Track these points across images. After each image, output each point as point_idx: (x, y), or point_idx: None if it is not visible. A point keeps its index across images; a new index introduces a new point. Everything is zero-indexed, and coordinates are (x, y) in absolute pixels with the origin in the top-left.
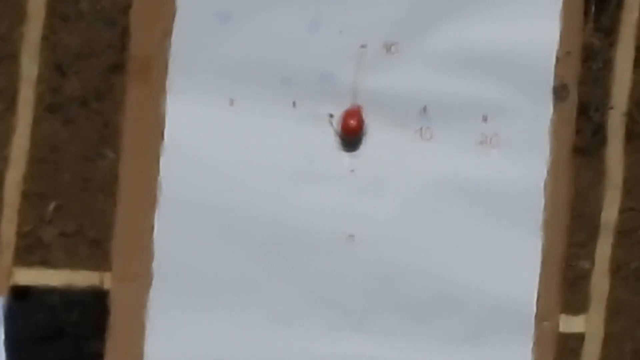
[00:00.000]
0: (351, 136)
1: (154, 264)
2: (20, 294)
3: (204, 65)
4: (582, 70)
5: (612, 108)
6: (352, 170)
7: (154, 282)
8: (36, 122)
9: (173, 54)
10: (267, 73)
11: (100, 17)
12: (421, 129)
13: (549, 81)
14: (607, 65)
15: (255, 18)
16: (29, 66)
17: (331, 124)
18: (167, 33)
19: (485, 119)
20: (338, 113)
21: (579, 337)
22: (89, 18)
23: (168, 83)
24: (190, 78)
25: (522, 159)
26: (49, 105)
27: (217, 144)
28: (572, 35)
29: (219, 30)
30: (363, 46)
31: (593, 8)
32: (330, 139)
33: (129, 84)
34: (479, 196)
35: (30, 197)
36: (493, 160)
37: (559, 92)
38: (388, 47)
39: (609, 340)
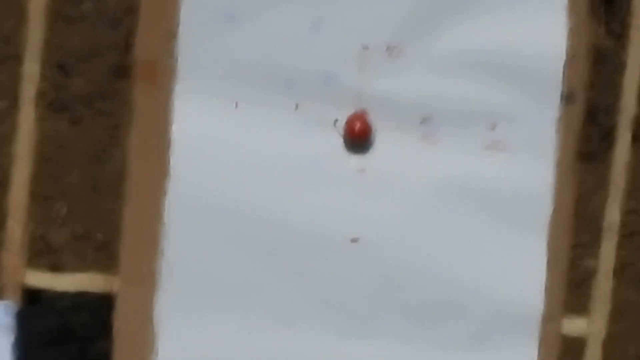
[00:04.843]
0: (357, 141)
1: (162, 267)
2: (30, 298)
3: (210, 67)
4: (592, 74)
5: (621, 112)
6: (358, 174)
7: (161, 285)
8: (43, 122)
9: (179, 56)
10: (270, 75)
11: (104, 18)
12: (427, 133)
13: (556, 85)
14: (618, 69)
15: (258, 19)
16: (33, 67)
17: (336, 128)
18: (172, 34)
19: (492, 123)
20: (342, 116)
21: (583, 339)
22: (92, 19)
23: (174, 85)
24: (196, 80)
25: (528, 163)
26: (55, 106)
27: (224, 146)
28: (579, 39)
29: (224, 31)
30: (366, 47)
31: (603, 9)
32: (335, 142)
33: (135, 86)
34: (485, 200)
35: (38, 199)
36: (500, 164)
37: (566, 97)
38: (391, 49)
39: (613, 341)
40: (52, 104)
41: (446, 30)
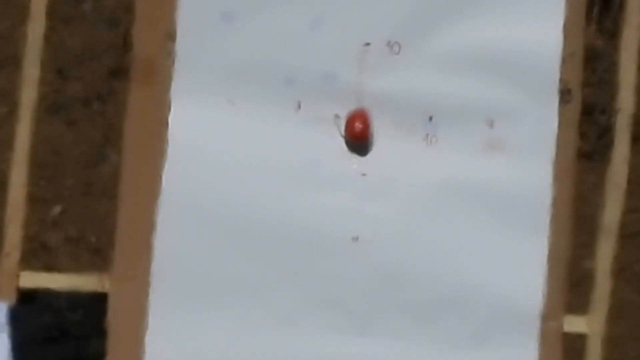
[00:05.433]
0: (358, 140)
1: (155, 265)
2: (25, 298)
3: (208, 66)
4: (587, 72)
5: (618, 110)
6: (358, 173)
7: (154, 283)
8: (39, 125)
9: (176, 55)
10: (269, 74)
11: (103, 18)
12: (428, 131)
13: (554, 84)
14: (613, 67)
15: (258, 17)
16: (31, 68)
17: (337, 126)
18: (170, 34)
19: (491, 122)
20: (343, 114)
21: (583, 338)
22: (91, 20)
23: (171, 84)
24: (193, 79)
25: (527, 162)
26: (52, 108)
27: (221, 145)
28: (575, 36)
29: (222, 30)
30: (366, 45)
31: (597, 9)
32: (335, 141)
33: (132, 86)
34: (485, 199)
35: (34, 201)
36: (499, 164)
37: (563, 95)
38: (392, 47)
39: (612, 341)
40: (49, 106)
41: (445, 28)
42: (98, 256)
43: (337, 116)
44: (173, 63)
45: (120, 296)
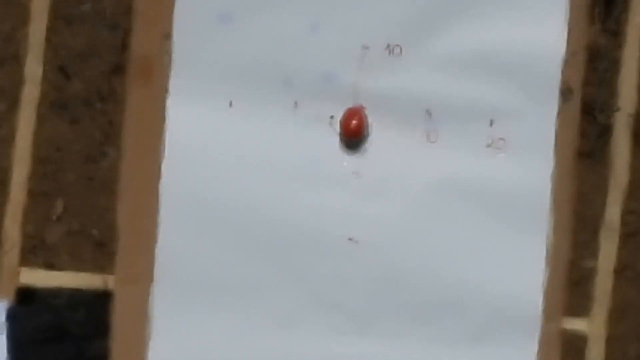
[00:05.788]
0: (353, 138)
1: (157, 266)
2: (25, 296)
3: (205, 66)
4: (588, 71)
5: (618, 109)
6: (356, 173)
7: (156, 284)
8: (40, 122)
9: (174, 55)
10: (268, 74)
11: (103, 18)
12: (427, 131)
13: (556, 83)
14: (614, 66)
15: (256, 18)
16: (33, 67)
17: (332, 125)
18: (168, 34)
19: (491, 122)
20: (340, 115)
21: (583, 338)
22: (91, 20)
23: (169, 84)
24: (191, 79)
25: (528, 162)
26: (53, 106)
27: (219, 145)
28: (577, 36)
29: (220, 30)
30: (365, 47)
31: (600, 9)
32: (333, 140)
33: (131, 85)
34: (484, 199)
35: (34, 198)
36: (499, 163)
37: (564, 94)
38: (391, 49)
39: (613, 341)
40: (51, 104)
41: (446, 29)
42: (100, 250)
43: (332, 117)
44: (170, 63)
45: (125, 297)
